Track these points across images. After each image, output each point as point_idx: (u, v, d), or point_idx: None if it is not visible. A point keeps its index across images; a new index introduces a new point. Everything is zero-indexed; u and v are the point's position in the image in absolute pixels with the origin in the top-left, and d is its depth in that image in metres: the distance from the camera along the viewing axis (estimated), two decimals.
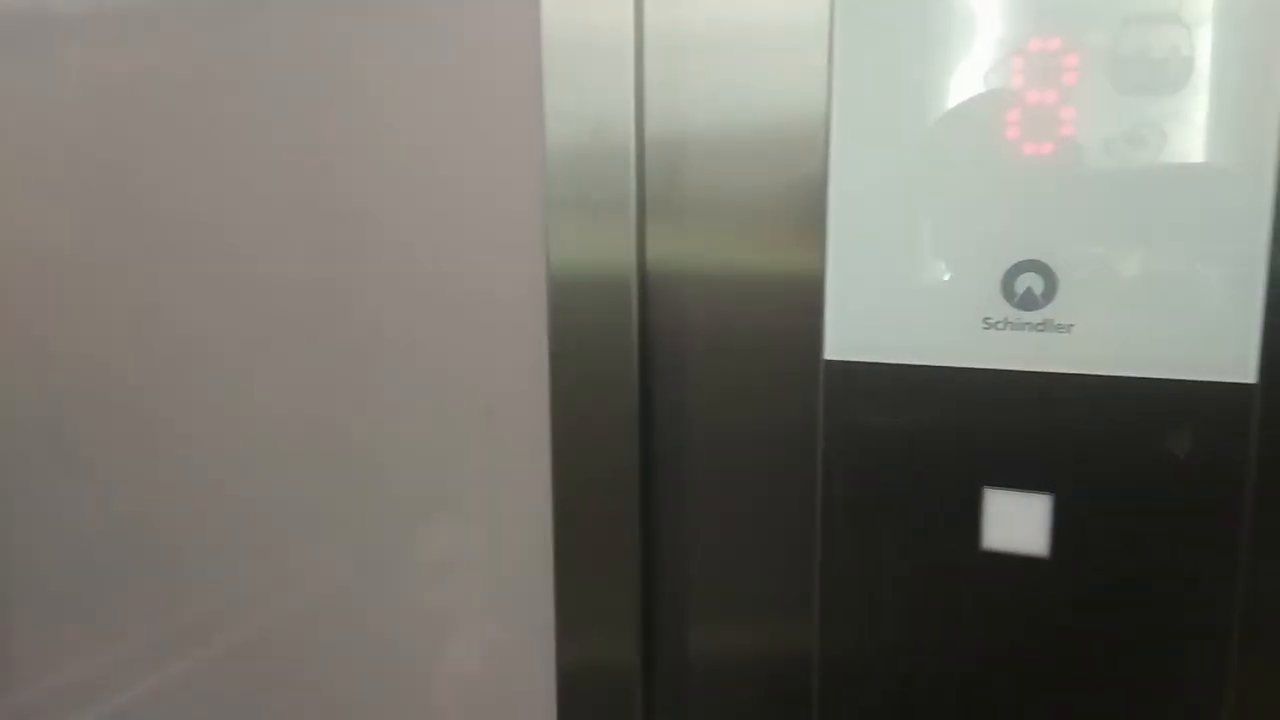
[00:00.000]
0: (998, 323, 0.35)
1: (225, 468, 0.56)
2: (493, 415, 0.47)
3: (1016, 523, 0.36)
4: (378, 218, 0.49)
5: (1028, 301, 0.34)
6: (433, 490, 0.51)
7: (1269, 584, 0.34)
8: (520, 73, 0.43)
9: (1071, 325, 0.34)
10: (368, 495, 0.52)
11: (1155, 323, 0.33)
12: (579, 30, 0.40)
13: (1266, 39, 0.31)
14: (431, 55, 0.47)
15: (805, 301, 0.38)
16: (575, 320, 0.43)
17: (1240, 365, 0.32)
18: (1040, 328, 0.34)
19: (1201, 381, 0.33)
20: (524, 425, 0.46)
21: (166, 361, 0.57)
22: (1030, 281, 0.34)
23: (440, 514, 0.51)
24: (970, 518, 0.36)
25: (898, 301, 0.36)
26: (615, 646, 0.44)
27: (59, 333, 0.60)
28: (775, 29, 0.38)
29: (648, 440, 0.43)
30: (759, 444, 0.41)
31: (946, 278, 0.35)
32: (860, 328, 0.37)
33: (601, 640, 0.44)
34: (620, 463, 0.43)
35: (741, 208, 0.40)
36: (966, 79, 0.34)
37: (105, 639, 0.63)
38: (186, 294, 0.55)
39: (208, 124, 0.53)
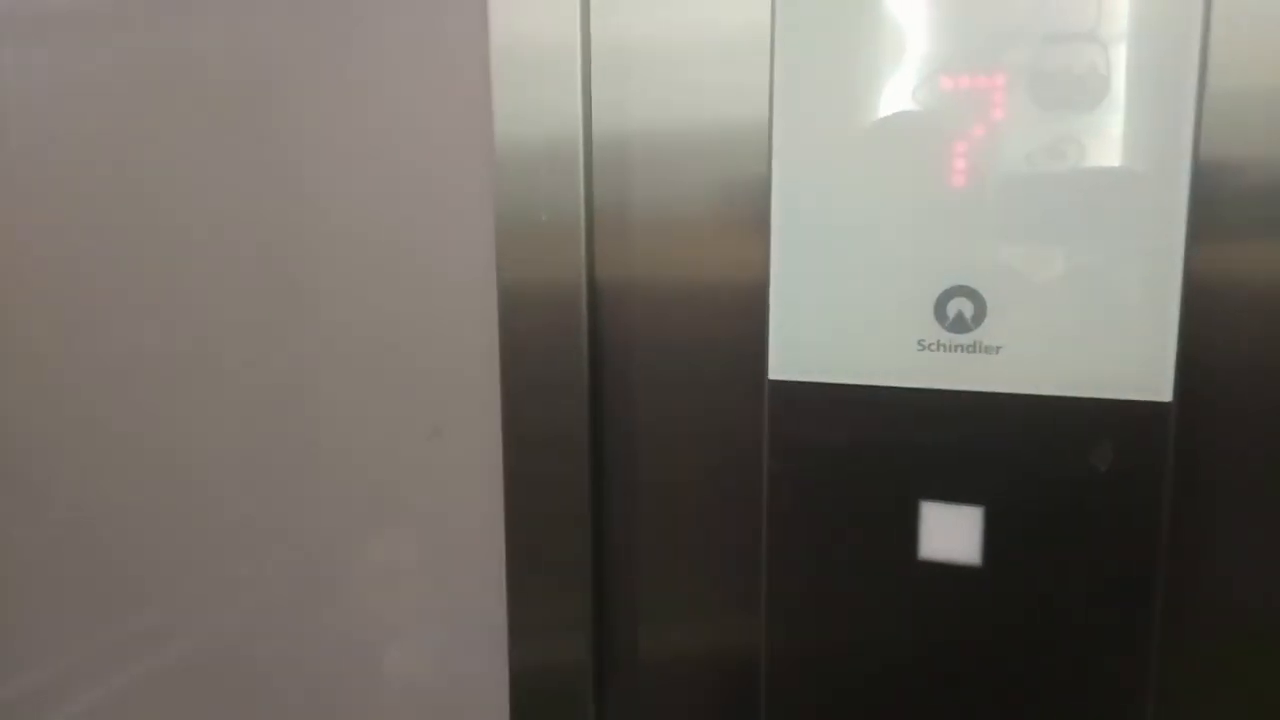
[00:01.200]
0: (931, 345, 0.36)
1: (175, 476, 0.56)
2: (441, 434, 0.48)
3: (951, 534, 0.37)
4: (326, 231, 0.49)
5: (958, 325, 0.36)
6: (385, 498, 0.51)
7: (1185, 594, 0.36)
8: (468, 84, 0.44)
9: (1000, 347, 0.35)
10: (320, 503, 0.53)
11: (1077, 344, 0.34)
12: (527, 42, 0.41)
13: (1179, 56, 0.32)
14: (378, 67, 0.46)
15: (751, 318, 0.39)
16: (526, 331, 0.43)
17: (1157, 385, 0.34)
18: (970, 349, 0.36)
19: (1121, 400, 0.34)
20: (476, 434, 0.47)
21: (111, 370, 0.56)
22: (961, 305, 0.35)
23: (392, 522, 0.51)
24: (908, 529, 0.38)
25: (838, 323, 0.37)
26: (568, 649, 0.45)
27: None
28: (719, 44, 0.39)
29: (598, 448, 0.44)
30: (708, 454, 0.42)
31: (883, 301, 0.36)
32: (802, 349, 0.38)
33: (554, 644, 0.45)
34: (571, 471, 0.44)
35: (689, 222, 0.41)
36: (897, 109, 0.35)
37: (55, 648, 0.62)
38: (130, 300, 0.55)
39: (145, 127, 0.52)
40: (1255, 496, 0.35)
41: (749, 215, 0.39)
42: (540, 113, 0.41)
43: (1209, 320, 0.34)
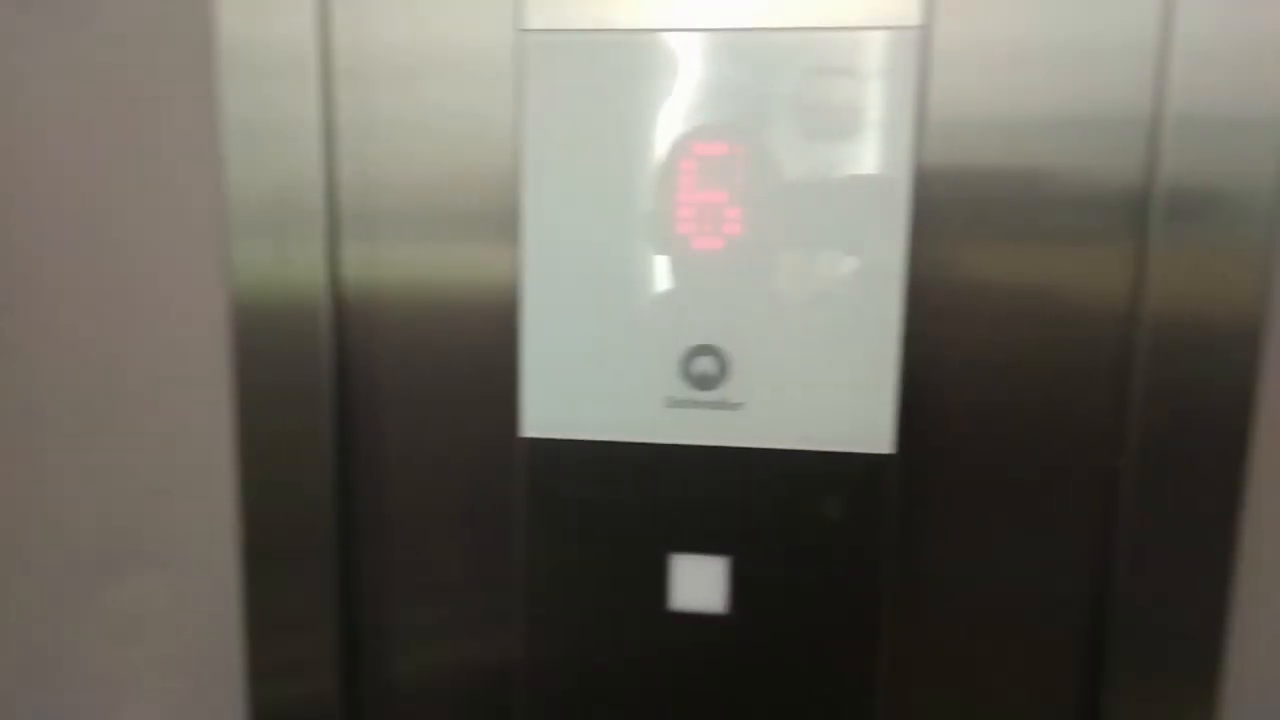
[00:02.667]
0: (679, 402, 0.37)
1: None
2: (168, 495, 0.44)
3: (698, 584, 0.38)
4: (48, 269, 0.44)
5: (704, 382, 0.37)
6: (114, 551, 0.46)
7: (908, 633, 0.39)
8: (192, 94, 0.40)
9: (741, 404, 0.37)
10: (45, 558, 0.47)
11: (810, 400, 0.37)
12: (259, 48, 0.38)
13: (894, 149, 0.35)
14: (92, 66, 0.42)
15: (505, 373, 0.39)
16: (265, 366, 0.40)
17: (879, 438, 0.36)
18: (715, 406, 0.37)
19: (849, 453, 0.37)
20: (209, 480, 0.43)
21: None
22: (705, 364, 0.37)
23: (122, 573, 0.46)
24: (658, 581, 0.39)
25: (590, 382, 0.37)
26: (315, 686, 0.42)
27: None
28: (461, 71, 0.38)
29: (345, 481, 0.41)
30: (462, 494, 0.41)
31: (634, 360, 0.37)
32: (556, 407, 0.38)
33: (300, 683, 0.43)
34: (315, 504, 0.41)
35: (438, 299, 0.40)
36: (641, 172, 0.36)
37: None
38: None
39: None
40: (975, 538, 0.39)
41: (498, 283, 0.38)
42: (275, 143, 0.38)
43: (929, 377, 0.37)
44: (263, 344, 0.39)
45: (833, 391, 0.36)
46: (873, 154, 0.35)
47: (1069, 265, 0.37)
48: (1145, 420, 0.36)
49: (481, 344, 0.39)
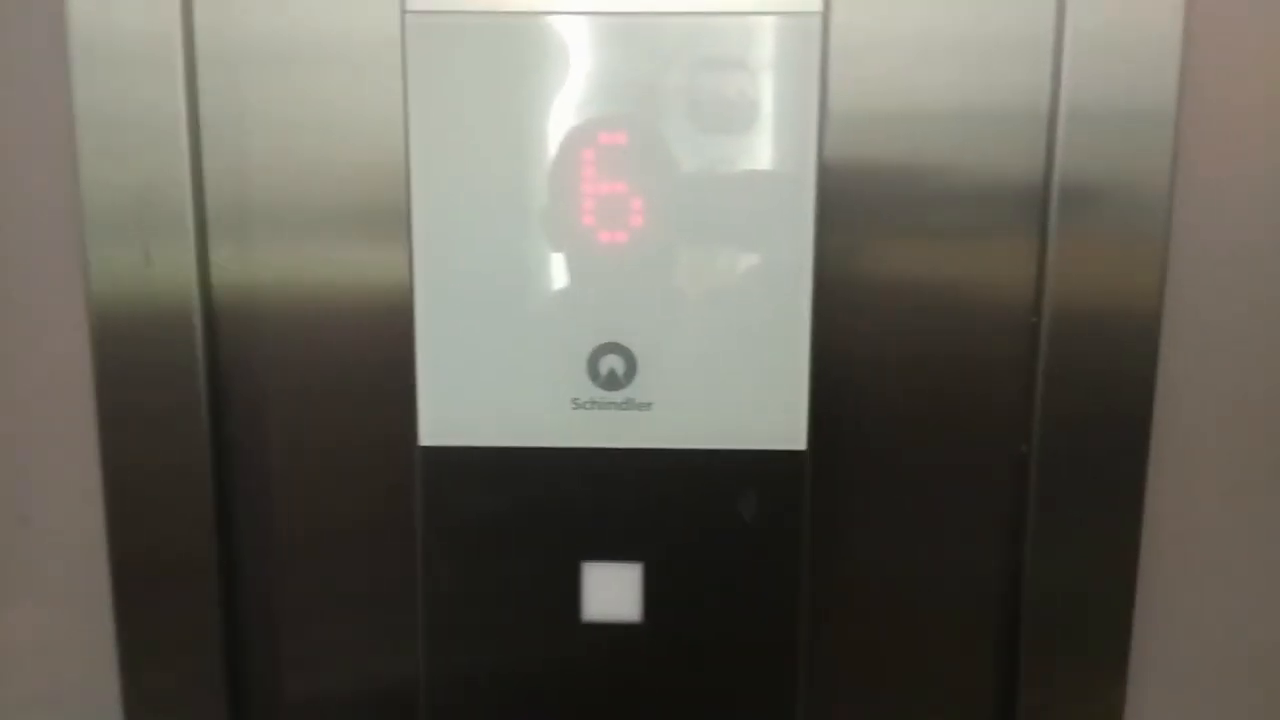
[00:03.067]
0: (586, 403, 0.35)
1: None
2: (28, 523, 0.40)
3: (612, 591, 0.37)
4: None
5: (611, 382, 0.35)
6: None
7: (825, 627, 0.38)
8: (44, 86, 0.37)
9: (651, 403, 0.35)
10: None
11: (721, 398, 0.35)
12: (116, 35, 0.34)
13: (801, 144, 0.34)
14: None
15: (400, 378, 0.36)
16: (129, 373, 0.37)
17: (793, 435, 0.36)
18: (624, 406, 0.35)
19: (762, 450, 0.36)
20: (76, 498, 0.40)
21: None
22: (613, 363, 0.35)
23: None
24: (570, 589, 0.37)
25: (491, 386, 0.35)
26: (198, 714, 0.39)
27: None
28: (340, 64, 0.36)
29: (226, 499, 0.38)
30: (358, 508, 0.39)
31: (537, 361, 0.35)
32: (455, 413, 0.36)
33: (181, 711, 0.39)
34: (194, 524, 0.38)
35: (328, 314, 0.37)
36: (538, 165, 0.34)
37: None
38: None
39: None
40: (886, 530, 0.38)
41: (393, 284, 0.36)
42: (135, 155, 0.35)
43: (837, 371, 0.36)
44: (129, 355, 0.36)
45: (744, 389, 0.35)
46: (776, 145, 0.34)
47: (971, 258, 0.37)
48: (1048, 409, 0.37)
49: (373, 349, 0.37)
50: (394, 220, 0.35)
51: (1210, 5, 0.35)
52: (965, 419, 0.38)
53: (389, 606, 0.39)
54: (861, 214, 0.36)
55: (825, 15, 0.33)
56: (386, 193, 0.35)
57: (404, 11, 0.34)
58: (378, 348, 0.37)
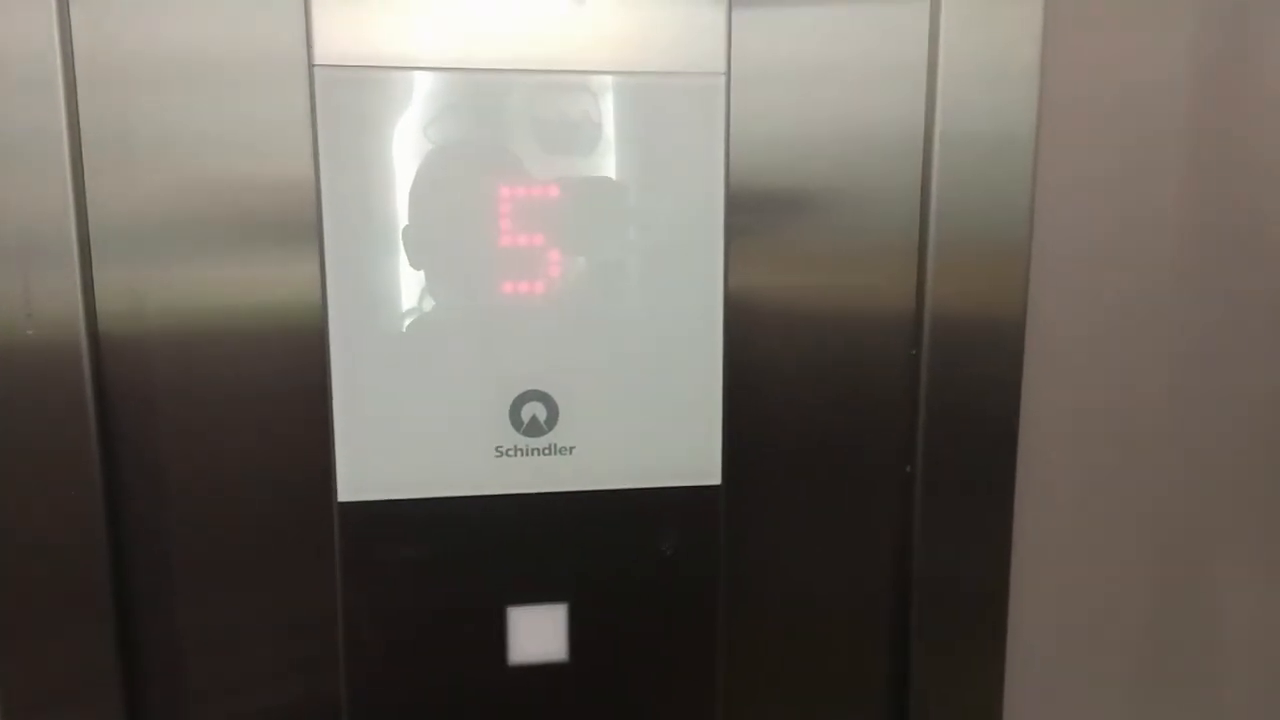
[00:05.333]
0: (509, 450, 0.36)
1: None
2: None
3: (539, 633, 0.37)
4: None
5: (534, 429, 0.36)
6: None
7: (743, 659, 0.40)
8: None
9: (573, 447, 0.36)
10: None
11: (640, 438, 0.37)
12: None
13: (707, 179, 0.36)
14: None
15: (317, 429, 0.35)
16: (9, 412, 0.34)
17: (708, 470, 0.37)
18: (546, 452, 0.36)
19: (680, 487, 0.37)
20: None
21: None
22: (535, 410, 0.36)
23: None
24: (497, 635, 0.37)
25: (412, 438, 0.35)
26: None
27: None
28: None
29: (120, 553, 0.36)
30: (269, 562, 0.37)
31: (459, 411, 0.35)
32: (374, 466, 0.35)
33: None
34: (82, 578, 0.35)
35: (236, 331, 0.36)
36: (458, 221, 0.34)
37: None
38: None
39: None
40: (796, 549, 0.40)
41: (305, 328, 0.35)
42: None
43: (743, 405, 0.38)
44: (8, 393, 0.33)
45: (662, 428, 0.37)
46: (686, 195, 0.36)
47: (855, 292, 0.39)
48: (929, 426, 0.40)
49: (288, 397, 0.36)
50: (309, 270, 0.35)
51: (1064, 36, 0.39)
52: (857, 442, 0.40)
53: (304, 657, 0.38)
54: (759, 252, 0.38)
55: (728, 75, 0.35)
56: (302, 240, 0.35)
57: (311, 65, 0.33)
58: (293, 396, 0.36)
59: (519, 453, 0.36)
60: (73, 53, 0.33)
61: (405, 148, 0.34)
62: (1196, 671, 0.48)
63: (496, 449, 0.36)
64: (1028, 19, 0.38)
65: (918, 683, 0.41)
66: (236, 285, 0.35)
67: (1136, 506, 0.45)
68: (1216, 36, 0.42)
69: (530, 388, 0.36)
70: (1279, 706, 0.49)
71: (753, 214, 0.37)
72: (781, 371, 0.39)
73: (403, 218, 0.34)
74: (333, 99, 0.33)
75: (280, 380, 0.36)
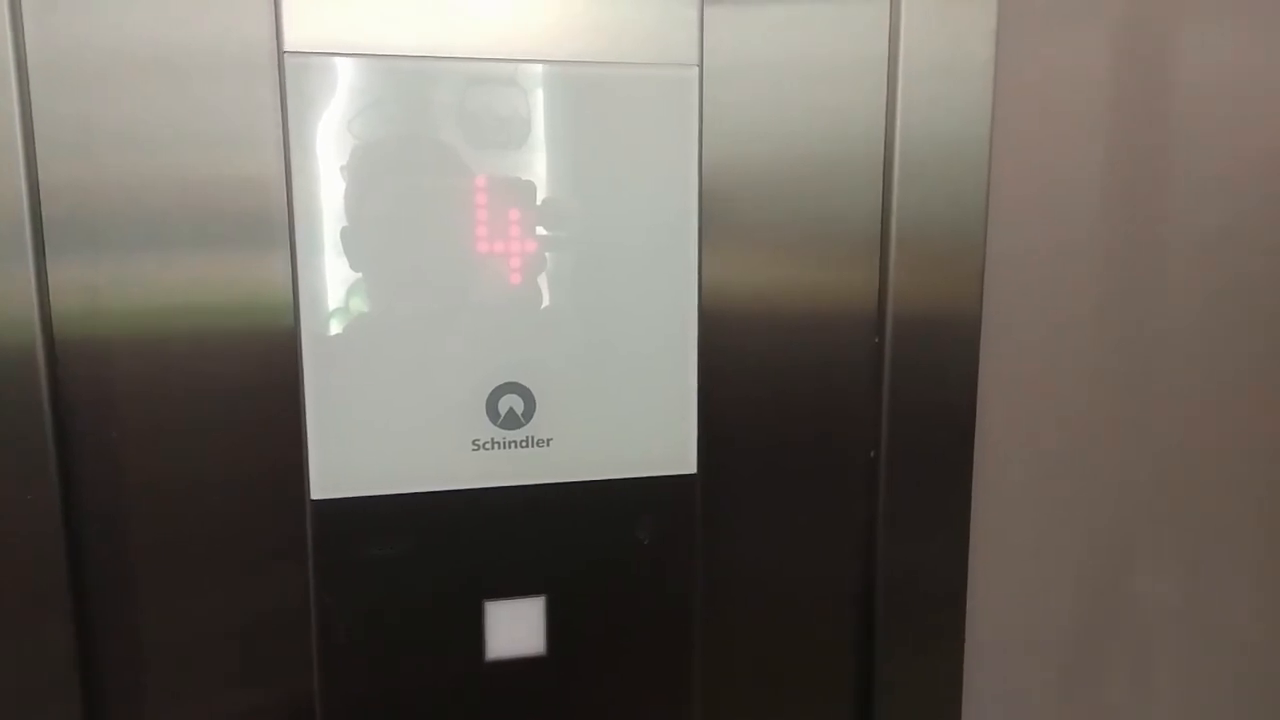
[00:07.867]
0: (485, 443, 0.35)
1: None
2: None
3: (516, 628, 0.37)
4: None
5: (511, 421, 0.36)
6: None
7: (718, 651, 0.41)
8: None
9: (550, 439, 0.36)
10: None
11: (617, 429, 0.37)
12: None
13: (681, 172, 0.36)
14: None
15: (289, 424, 0.35)
16: None
17: (683, 460, 0.38)
18: (524, 444, 0.36)
19: (656, 477, 0.37)
20: None
21: None
22: (512, 403, 0.35)
23: None
24: (474, 630, 0.37)
25: (386, 433, 0.35)
26: None
27: None
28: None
29: (78, 560, 0.35)
30: (234, 558, 0.36)
31: (434, 404, 0.35)
32: (348, 462, 0.35)
33: None
34: (42, 599, 0.34)
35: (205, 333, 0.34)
36: (433, 211, 0.34)
37: None
38: None
39: None
40: (769, 535, 0.41)
41: (275, 325, 0.34)
42: None
43: (714, 394, 0.38)
44: None
45: (638, 418, 0.37)
46: (660, 185, 0.36)
47: (821, 282, 0.40)
48: (892, 412, 0.41)
49: (257, 391, 0.35)
50: (278, 259, 0.34)
51: (1018, 33, 0.40)
52: (825, 428, 0.41)
53: (277, 656, 0.37)
54: (730, 244, 0.38)
55: (700, 67, 0.36)
56: (271, 227, 0.34)
57: (281, 52, 0.32)
58: (263, 391, 0.35)
59: (496, 445, 0.36)
60: (24, 38, 0.32)
61: (379, 138, 0.33)
62: (1137, 661, 0.50)
63: (473, 442, 0.35)
64: (982, 16, 0.39)
65: (883, 660, 0.43)
66: (203, 280, 0.34)
67: (1089, 494, 0.47)
68: (1171, 31, 0.44)
69: (507, 380, 0.35)
70: (1243, 698, 0.52)
71: (725, 206, 0.38)
72: (752, 366, 0.39)
73: (376, 209, 0.33)
74: (304, 87, 0.32)
75: (249, 374, 0.35)
